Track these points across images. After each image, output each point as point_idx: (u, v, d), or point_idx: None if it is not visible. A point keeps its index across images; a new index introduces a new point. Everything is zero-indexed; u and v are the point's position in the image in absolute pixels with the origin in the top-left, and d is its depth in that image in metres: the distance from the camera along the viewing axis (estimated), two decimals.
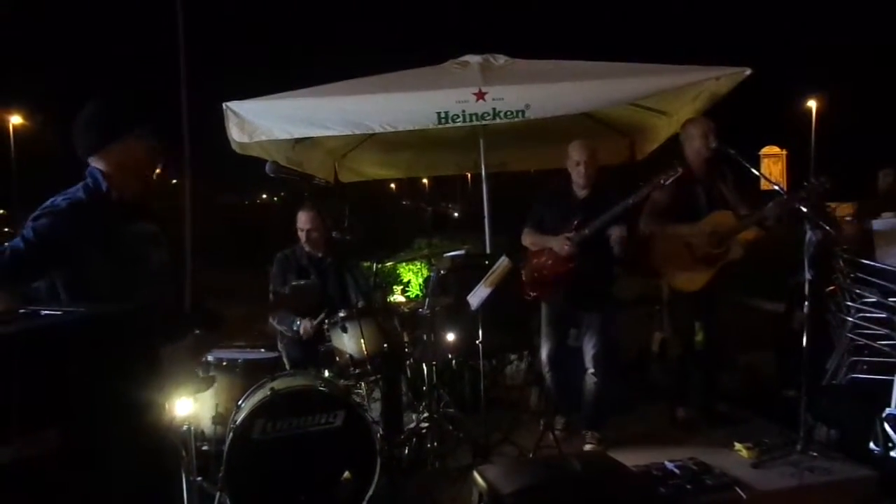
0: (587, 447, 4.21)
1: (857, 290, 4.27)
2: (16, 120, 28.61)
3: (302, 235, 4.45)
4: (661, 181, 4.03)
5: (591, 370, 4.27)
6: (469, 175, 11.91)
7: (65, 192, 2.41)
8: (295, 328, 4.24)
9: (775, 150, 24.95)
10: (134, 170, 2.46)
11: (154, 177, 2.54)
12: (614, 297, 4.58)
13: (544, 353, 4.47)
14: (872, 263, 4.26)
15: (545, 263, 4.29)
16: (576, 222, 4.17)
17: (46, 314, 1.65)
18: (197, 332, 2.58)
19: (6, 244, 2.31)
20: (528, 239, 4.45)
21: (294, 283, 3.96)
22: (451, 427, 4.31)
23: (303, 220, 4.43)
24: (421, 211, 4.57)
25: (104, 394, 1.53)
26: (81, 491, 1.45)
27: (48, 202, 2.36)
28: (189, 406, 3.12)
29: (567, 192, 4.38)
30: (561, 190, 4.42)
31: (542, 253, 4.33)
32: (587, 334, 4.32)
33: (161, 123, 2.58)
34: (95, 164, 2.43)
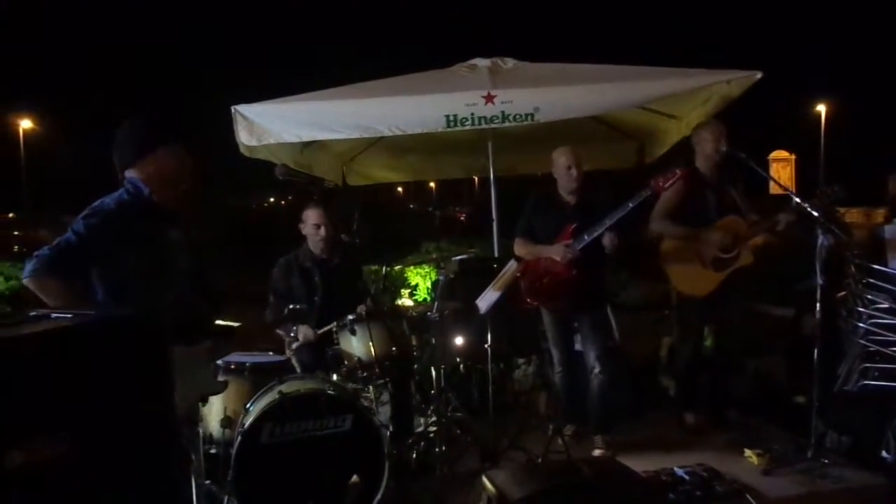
0: (596, 452, 4.19)
1: (869, 296, 4.23)
2: (26, 124, 28.79)
3: (317, 232, 4.41)
4: (661, 184, 4.01)
5: (597, 370, 4.26)
6: (476, 178, 11.90)
7: (110, 195, 2.65)
8: (292, 334, 4.25)
9: (784, 154, 24.88)
10: (166, 180, 2.72)
11: (186, 188, 2.80)
12: (606, 298, 4.58)
13: (556, 358, 4.46)
14: (884, 269, 4.22)
15: (546, 272, 4.27)
16: (572, 228, 4.16)
17: (56, 317, 1.65)
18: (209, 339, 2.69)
19: (59, 238, 2.54)
20: (523, 249, 4.42)
21: (292, 306, 4.06)
22: (459, 431, 4.30)
23: (314, 216, 4.40)
24: (429, 215, 4.57)
25: (114, 397, 1.53)
26: (91, 495, 1.45)
27: (97, 203, 2.61)
28: (197, 409, 3.14)
29: (556, 198, 4.36)
30: (550, 197, 4.40)
31: (539, 262, 4.31)
32: (587, 336, 4.32)
33: (190, 139, 2.81)
34: (132, 174, 2.69)
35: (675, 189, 4.20)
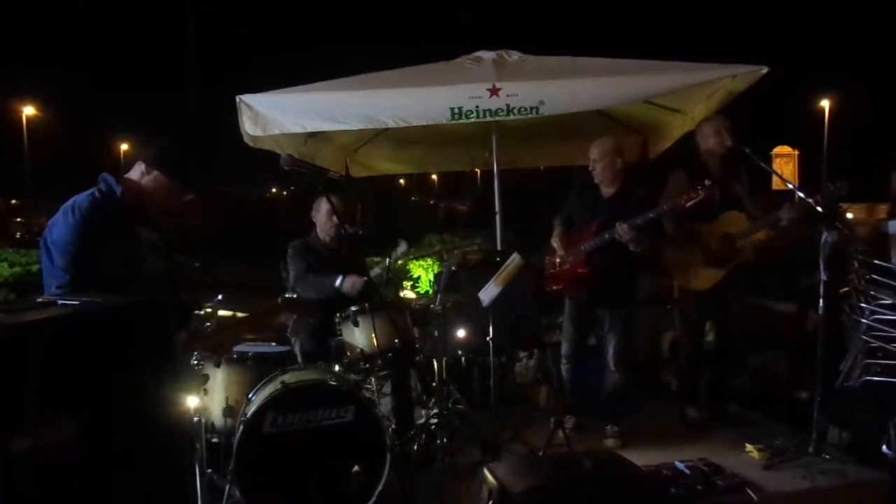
0: (609, 442, 4.21)
1: (872, 292, 4.22)
2: (29, 111, 28.73)
3: (329, 220, 4.41)
4: (685, 201, 4.00)
5: (612, 368, 4.27)
6: (478, 171, 11.86)
7: (81, 195, 2.63)
8: (337, 285, 4.21)
9: (787, 149, 24.87)
10: (153, 201, 2.75)
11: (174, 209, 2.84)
12: (636, 296, 4.56)
13: (564, 349, 4.47)
14: (888, 265, 4.22)
15: (565, 260, 4.29)
16: (595, 226, 4.17)
17: (63, 304, 1.65)
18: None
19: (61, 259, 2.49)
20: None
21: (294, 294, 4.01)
22: (460, 423, 4.31)
23: (329, 205, 4.40)
24: (431, 207, 4.56)
25: (120, 383, 1.53)
26: (96, 480, 1.45)
27: (69, 204, 2.58)
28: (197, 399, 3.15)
29: (594, 188, 4.36)
30: (590, 185, 4.39)
31: (562, 248, 4.35)
32: (610, 332, 4.31)
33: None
34: (109, 176, 2.69)
35: (678, 184, 4.19)
